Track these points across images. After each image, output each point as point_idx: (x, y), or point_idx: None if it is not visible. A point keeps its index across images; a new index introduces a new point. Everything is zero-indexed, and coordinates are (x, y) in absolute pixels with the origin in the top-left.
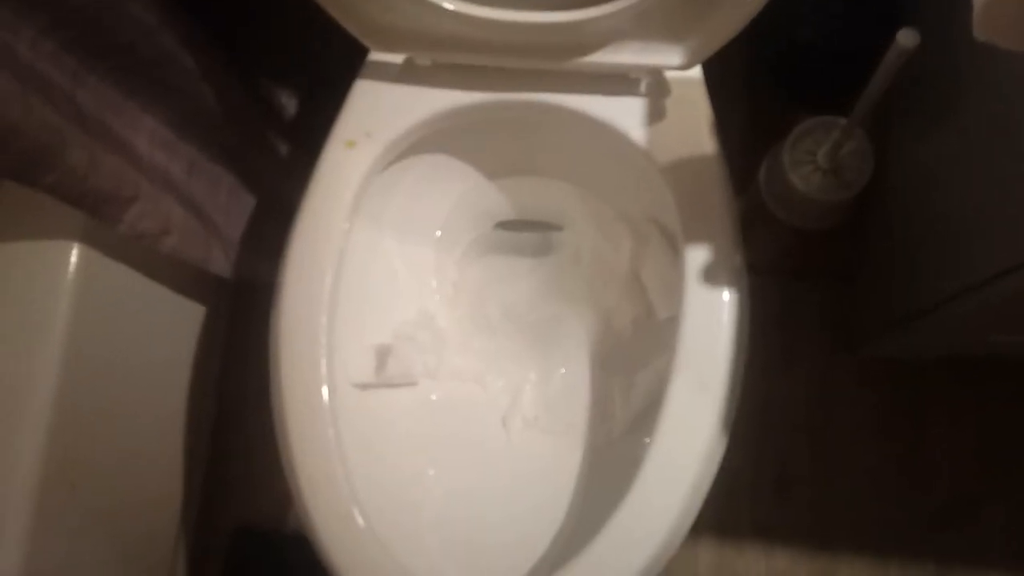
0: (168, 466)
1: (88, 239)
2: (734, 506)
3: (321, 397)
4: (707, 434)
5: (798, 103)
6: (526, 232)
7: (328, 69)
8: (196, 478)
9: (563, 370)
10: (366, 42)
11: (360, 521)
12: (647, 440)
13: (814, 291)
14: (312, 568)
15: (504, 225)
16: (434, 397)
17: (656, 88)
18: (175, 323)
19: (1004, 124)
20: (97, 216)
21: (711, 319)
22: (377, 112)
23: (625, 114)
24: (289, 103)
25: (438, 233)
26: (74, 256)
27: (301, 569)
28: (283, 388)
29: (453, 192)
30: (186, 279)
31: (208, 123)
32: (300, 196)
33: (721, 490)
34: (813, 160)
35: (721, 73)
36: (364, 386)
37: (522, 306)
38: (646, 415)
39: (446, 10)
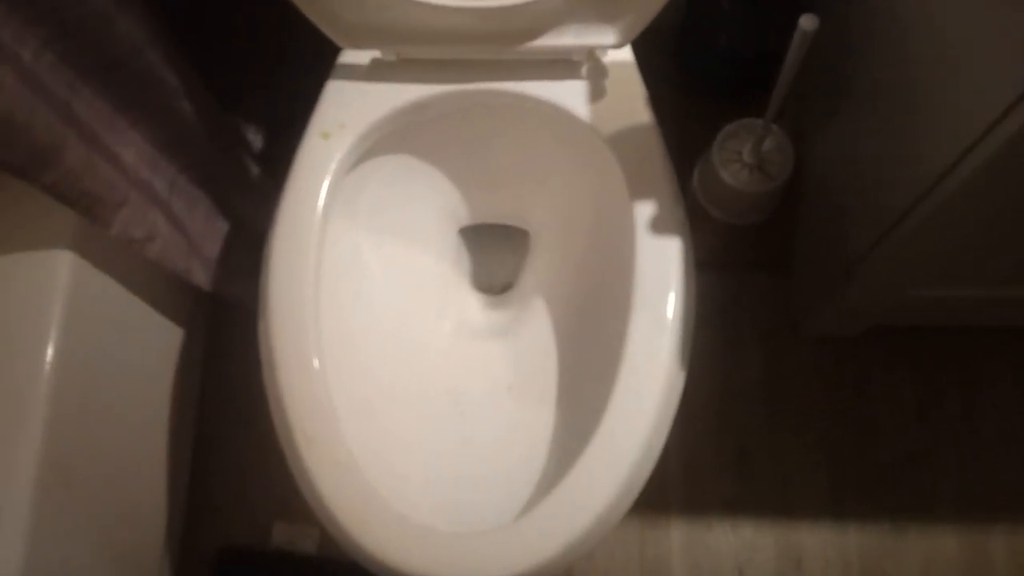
0: (153, 477)
1: (79, 249)
2: (700, 485)
3: (312, 363)
4: (666, 366)
5: (724, 109)
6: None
7: (293, 96)
8: (179, 495)
9: (535, 343)
10: (339, 41)
11: (351, 459)
12: (612, 379)
13: (757, 280)
14: None
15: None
16: (416, 380)
17: (595, 71)
18: (156, 340)
19: (890, 90)
20: (89, 217)
21: (661, 264)
22: (349, 106)
23: (570, 95)
24: (256, 138)
25: (409, 233)
26: (67, 263)
27: None
28: (275, 353)
29: (419, 195)
30: (165, 299)
31: (188, 145)
32: (269, 221)
33: (687, 470)
34: (739, 158)
35: (653, 89)
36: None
37: (495, 296)
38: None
39: (411, 1)
